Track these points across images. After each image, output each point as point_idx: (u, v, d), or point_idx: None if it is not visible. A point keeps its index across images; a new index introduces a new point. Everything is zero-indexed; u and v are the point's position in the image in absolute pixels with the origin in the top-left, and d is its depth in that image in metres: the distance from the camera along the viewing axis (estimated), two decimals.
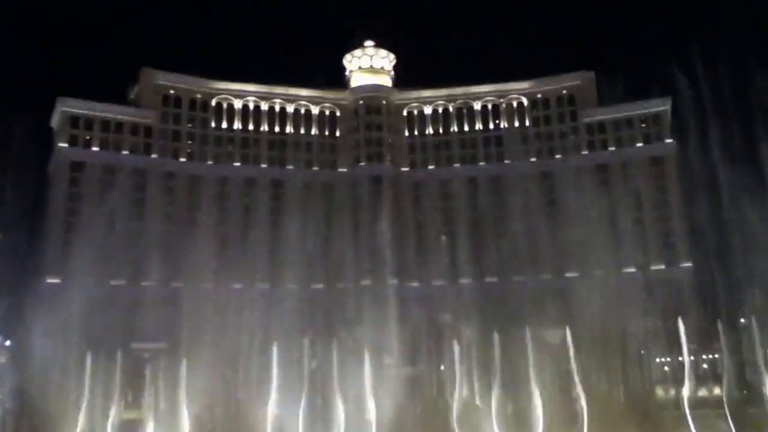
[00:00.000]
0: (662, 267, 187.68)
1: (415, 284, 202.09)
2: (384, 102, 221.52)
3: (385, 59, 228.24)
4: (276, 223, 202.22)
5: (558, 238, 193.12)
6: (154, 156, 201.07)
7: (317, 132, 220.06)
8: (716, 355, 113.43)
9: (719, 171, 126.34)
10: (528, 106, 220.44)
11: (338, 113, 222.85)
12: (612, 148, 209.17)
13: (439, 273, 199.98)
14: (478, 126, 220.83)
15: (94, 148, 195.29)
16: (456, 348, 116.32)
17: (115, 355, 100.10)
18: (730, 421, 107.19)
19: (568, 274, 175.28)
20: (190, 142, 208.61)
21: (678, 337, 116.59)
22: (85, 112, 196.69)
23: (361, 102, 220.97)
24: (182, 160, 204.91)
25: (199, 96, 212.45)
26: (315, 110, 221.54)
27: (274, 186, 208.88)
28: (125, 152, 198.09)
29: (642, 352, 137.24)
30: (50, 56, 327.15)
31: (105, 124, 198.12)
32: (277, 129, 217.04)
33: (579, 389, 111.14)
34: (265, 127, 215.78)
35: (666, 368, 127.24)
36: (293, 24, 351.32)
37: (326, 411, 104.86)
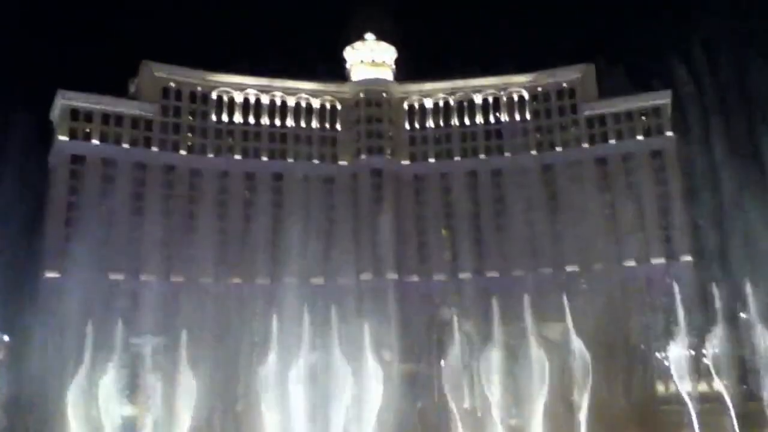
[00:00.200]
0: (662, 261, 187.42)
1: (415, 279, 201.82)
2: (384, 95, 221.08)
3: (386, 52, 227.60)
4: (276, 216, 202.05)
5: (558, 232, 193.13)
6: (154, 149, 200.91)
7: (318, 125, 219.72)
8: (716, 350, 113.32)
9: (719, 164, 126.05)
10: (528, 99, 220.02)
11: (339, 106, 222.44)
12: (612, 141, 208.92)
13: (440, 267, 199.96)
14: (479, 119, 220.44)
15: (94, 141, 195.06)
16: (456, 343, 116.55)
17: (114, 350, 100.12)
18: (732, 416, 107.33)
19: (568, 268, 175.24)
20: (190, 135, 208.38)
21: (678, 332, 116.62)
22: (85, 105, 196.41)
23: (361, 95, 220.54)
24: (182, 153, 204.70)
25: (199, 89, 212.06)
26: (315, 103, 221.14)
27: (274, 179, 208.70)
28: (125, 145, 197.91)
29: (642, 346, 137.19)
30: (50, 49, 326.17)
31: (105, 117, 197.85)
32: (277, 122, 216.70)
33: (579, 384, 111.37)
34: (265, 120, 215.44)
35: (666, 363, 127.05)
36: (294, 16, 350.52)
37: (325, 407, 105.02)
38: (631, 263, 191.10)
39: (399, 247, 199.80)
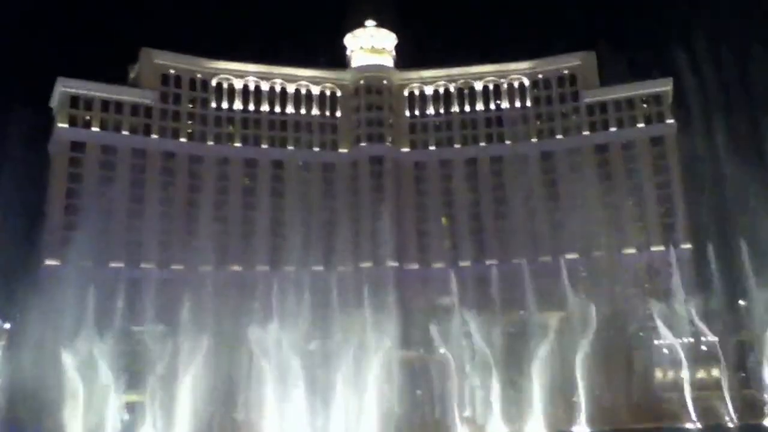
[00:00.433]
0: (662, 248, 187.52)
1: (415, 266, 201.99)
2: (385, 82, 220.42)
3: (387, 39, 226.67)
4: (276, 204, 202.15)
5: (558, 219, 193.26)
6: (153, 136, 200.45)
7: (318, 112, 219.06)
8: (715, 337, 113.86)
9: (720, 151, 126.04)
10: (529, 86, 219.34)
11: (339, 93, 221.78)
12: (613, 129, 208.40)
13: (439, 255, 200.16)
14: (479, 106, 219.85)
15: (94, 129, 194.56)
16: (456, 331, 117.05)
17: (115, 338, 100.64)
18: (729, 403, 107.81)
19: (568, 256, 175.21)
20: (190, 122, 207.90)
21: (677, 319, 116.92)
22: (85, 92, 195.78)
23: (362, 82, 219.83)
24: (182, 140, 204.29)
25: (199, 76, 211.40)
26: (315, 90, 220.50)
27: (274, 167, 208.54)
28: (125, 132, 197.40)
29: (641, 333, 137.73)
30: (50, 37, 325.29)
31: (104, 105, 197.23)
32: (277, 109, 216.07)
33: (578, 370, 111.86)
34: (265, 107, 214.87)
35: (665, 350, 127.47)
36: (294, 3, 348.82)
37: (325, 392, 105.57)
38: (631, 251, 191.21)
39: (399, 234, 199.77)
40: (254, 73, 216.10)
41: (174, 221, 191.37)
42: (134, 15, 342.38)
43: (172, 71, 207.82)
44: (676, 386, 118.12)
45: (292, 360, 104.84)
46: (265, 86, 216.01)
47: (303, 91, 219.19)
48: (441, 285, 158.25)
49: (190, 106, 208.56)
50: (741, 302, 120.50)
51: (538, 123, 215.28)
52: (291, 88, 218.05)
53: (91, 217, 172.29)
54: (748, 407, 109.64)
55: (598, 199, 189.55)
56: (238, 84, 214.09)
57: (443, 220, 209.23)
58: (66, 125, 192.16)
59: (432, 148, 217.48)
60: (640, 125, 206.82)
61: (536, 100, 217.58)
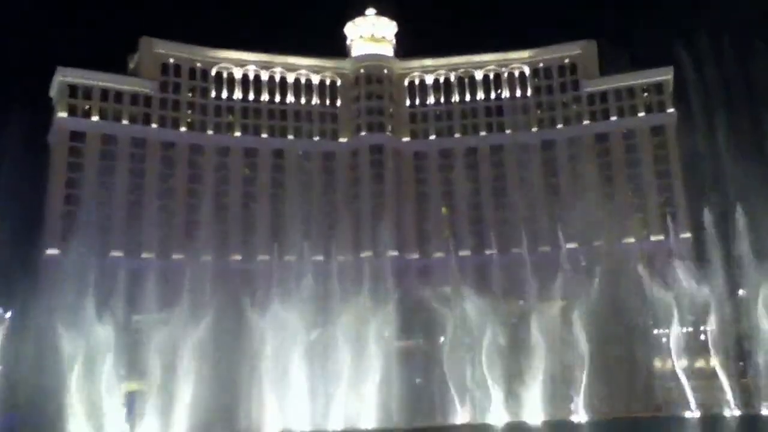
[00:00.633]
0: (662, 238, 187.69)
1: (415, 256, 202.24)
2: (385, 71, 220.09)
3: (387, 27, 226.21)
4: (276, 194, 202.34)
5: (558, 209, 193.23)
6: (153, 126, 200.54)
7: (318, 101, 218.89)
8: (714, 327, 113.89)
9: (721, 141, 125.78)
10: (529, 75, 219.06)
11: (339, 82, 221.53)
12: (614, 118, 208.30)
13: (439, 245, 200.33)
14: (480, 95, 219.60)
15: (94, 118, 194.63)
16: (455, 320, 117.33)
17: (115, 327, 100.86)
18: (728, 392, 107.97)
19: (568, 246, 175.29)
20: (190, 111, 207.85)
21: (677, 309, 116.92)
22: (84, 81, 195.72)
23: (362, 71, 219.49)
24: (182, 129, 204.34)
25: (199, 65, 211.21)
26: (315, 79, 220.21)
27: (274, 156, 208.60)
28: (125, 122, 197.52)
29: (640, 323, 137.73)
30: (49, 26, 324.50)
31: (104, 94, 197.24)
32: (277, 98, 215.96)
33: (578, 360, 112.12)
34: (265, 97, 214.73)
35: (664, 340, 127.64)
36: None
37: (326, 381, 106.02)
38: (631, 240, 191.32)
39: (399, 224, 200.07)
40: (254, 62, 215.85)
41: (174, 211, 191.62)
42: (134, 4, 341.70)
43: (171, 60, 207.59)
44: (675, 375, 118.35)
45: (292, 349, 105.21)
46: (265, 75, 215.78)
47: (303, 80, 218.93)
48: (441, 274, 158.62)
49: (190, 95, 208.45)
50: (740, 292, 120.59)
51: (539, 112, 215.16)
52: (291, 77, 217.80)
53: (92, 207, 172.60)
54: (746, 396, 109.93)
55: (598, 189, 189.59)
56: (238, 73, 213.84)
57: (443, 209, 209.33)
58: (65, 115, 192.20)
59: (432, 137, 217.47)
60: (641, 114, 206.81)
61: (537, 90, 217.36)
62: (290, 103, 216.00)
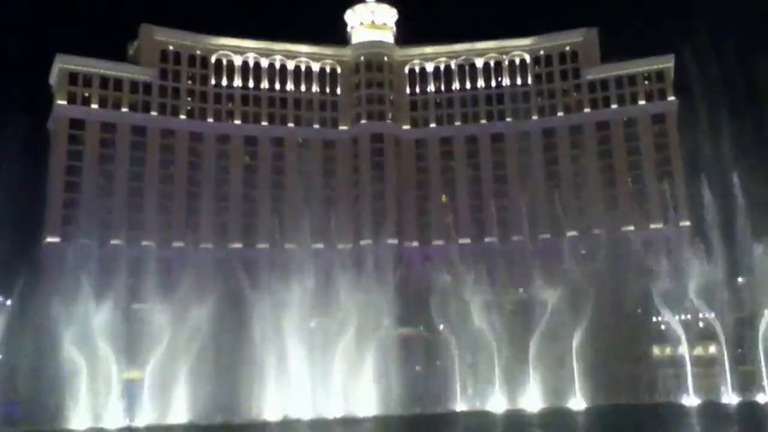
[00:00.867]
0: (661, 226, 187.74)
1: (415, 244, 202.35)
2: (386, 59, 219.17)
3: (387, 14, 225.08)
4: (276, 181, 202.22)
5: (558, 197, 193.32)
6: (153, 113, 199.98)
7: (318, 89, 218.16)
8: (713, 314, 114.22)
9: (721, 129, 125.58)
10: (530, 63, 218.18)
11: (339, 70, 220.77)
12: (614, 106, 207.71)
13: (439, 233, 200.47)
14: (480, 83, 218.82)
15: (93, 106, 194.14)
16: (456, 308, 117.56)
17: (115, 315, 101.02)
18: (727, 379, 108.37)
19: (568, 233, 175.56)
20: (189, 99, 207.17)
21: (676, 296, 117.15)
22: (84, 69, 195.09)
23: (362, 58, 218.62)
24: (182, 117, 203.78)
25: (198, 52, 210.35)
26: (315, 67, 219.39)
27: (274, 144, 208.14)
28: (124, 109, 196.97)
29: (640, 310, 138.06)
30: (48, 13, 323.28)
31: (104, 81, 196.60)
32: (277, 86, 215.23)
33: (577, 346, 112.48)
34: (265, 84, 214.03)
35: (663, 327, 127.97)
36: None
37: (326, 369, 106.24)
38: (631, 228, 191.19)
39: (399, 212, 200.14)
40: (254, 50, 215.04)
41: (174, 199, 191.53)
42: None
43: (171, 48, 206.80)
44: (674, 363, 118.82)
45: (292, 337, 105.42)
46: (264, 63, 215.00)
47: (303, 67, 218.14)
48: (441, 262, 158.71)
49: (190, 83, 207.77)
50: (740, 279, 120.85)
51: (539, 100, 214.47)
52: (291, 65, 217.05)
53: (92, 195, 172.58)
54: (745, 383, 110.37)
55: (598, 177, 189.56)
56: (237, 60, 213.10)
57: (443, 197, 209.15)
58: (65, 102, 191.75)
59: (433, 125, 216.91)
60: (642, 102, 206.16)
61: (537, 77, 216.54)
62: (290, 90, 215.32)
